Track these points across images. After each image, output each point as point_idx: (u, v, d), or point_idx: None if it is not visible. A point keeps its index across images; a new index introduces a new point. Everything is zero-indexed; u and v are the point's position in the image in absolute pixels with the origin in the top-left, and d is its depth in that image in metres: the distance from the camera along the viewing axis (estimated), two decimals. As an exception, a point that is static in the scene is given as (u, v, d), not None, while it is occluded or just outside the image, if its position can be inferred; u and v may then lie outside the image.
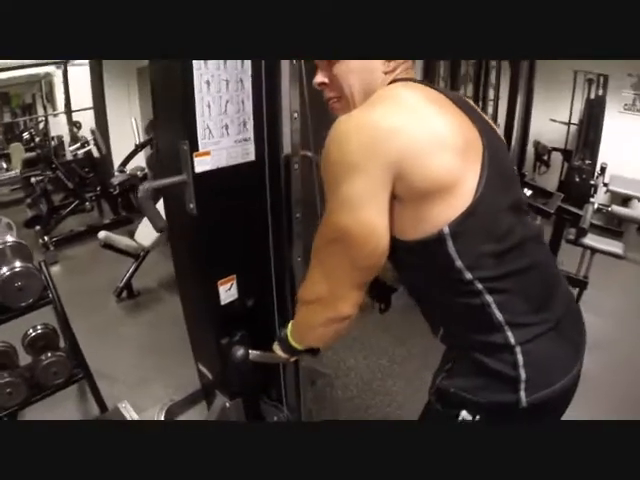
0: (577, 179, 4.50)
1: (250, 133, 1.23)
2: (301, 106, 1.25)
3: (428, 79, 2.88)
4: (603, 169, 4.80)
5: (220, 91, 1.10)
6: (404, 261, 0.85)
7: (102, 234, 2.72)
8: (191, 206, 1.16)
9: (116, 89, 4.19)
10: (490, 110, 3.91)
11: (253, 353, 1.24)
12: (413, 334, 2.71)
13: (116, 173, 3.69)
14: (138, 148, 3.21)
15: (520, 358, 0.80)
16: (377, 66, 0.87)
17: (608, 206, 4.79)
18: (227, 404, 1.57)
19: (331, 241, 0.82)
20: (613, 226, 5.24)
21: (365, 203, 0.76)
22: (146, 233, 2.85)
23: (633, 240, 4.95)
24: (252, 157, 1.26)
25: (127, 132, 3.48)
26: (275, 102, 1.24)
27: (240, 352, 1.23)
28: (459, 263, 0.78)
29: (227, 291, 1.35)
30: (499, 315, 0.80)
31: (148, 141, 3.25)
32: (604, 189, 4.94)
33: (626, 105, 5.65)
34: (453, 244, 0.77)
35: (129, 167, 3.49)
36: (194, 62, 1.02)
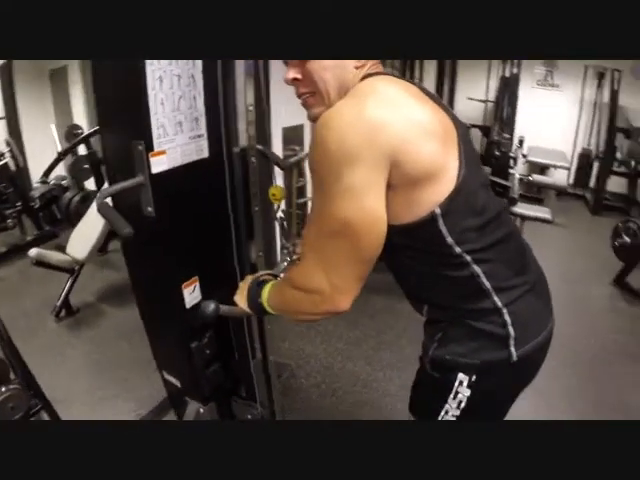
0: (497, 152, 4.74)
1: (203, 129, 1.20)
2: (256, 100, 1.23)
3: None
4: (521, 141, 5.09)
5: (172, 87, 1.06)
6: (397, 245, 0.88)
7: (33, 252, 2.54)
8: (149, 209, 1.11)
9: (28, 94, 3.89)
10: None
11: (223, 308, 1.22)
12: (362, 315, 2.84)
13: (35, 185, 3.46)
14: (60, 156, 3.02)
15: (508, 318, 0.89)
16: (349, 62, 0.89)
17: (528, 175, 5.15)
18: (201, 409, 1.54)
19: (332, 234, 0.82)
20: (533, 194, 5.64)
21: (367, 191, 0.78)
22: (79, 245, 2.70)
23: (553, 205, 5.33)
24: (206, 154, 1.23)
25: (43, 140, 3.26)
26: (228, 97, 1.21)
27: (211, 307, 1.19)
28: (449, 239, 0.85)
29: (191, 294, 1.32)
30: (487, 283, 0.88)
31: (70, 148, 3.06)
32: (523, 160, 5.26)
33: (539, 81, 6.10)
34: (444, 222, 0.83)
35: (50, 177, 3.28)
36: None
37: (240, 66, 1.18)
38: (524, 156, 5.17)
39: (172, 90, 1.07)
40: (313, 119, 0.93)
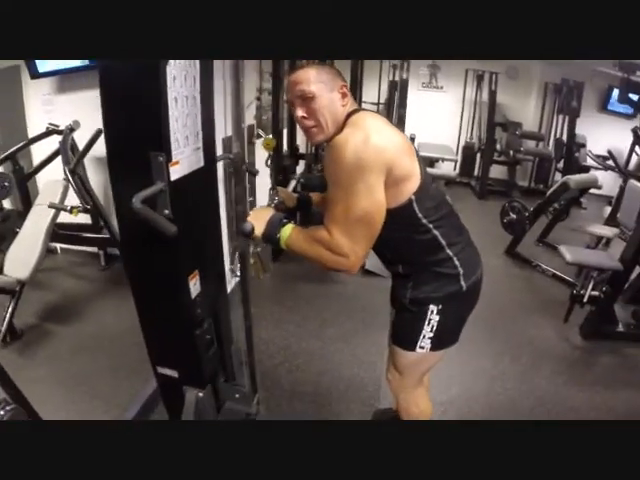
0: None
1: (200, 142, 1.39)
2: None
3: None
4: (412, 139, 5.64)
5: (184, 107, 1.25)
6: (385, 223, 1.24)
7: (-30, 275, 2.46)
8: (166, 212, 1.29)
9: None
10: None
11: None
12: (299, 302, 3.19)
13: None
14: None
15: (457, 263, 1.37)
16: (337, 102, 1.29)
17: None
18: (200, 394, 1.70)
19: (357, 218, 1.18)
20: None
21: (376, 189, 1.18)
22: (19, 264, 2.65)
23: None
24: (202, 163, 1.42)
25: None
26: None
27: (250, 226, 1.37)
28: (420, 215, 1.30)
29: (194, 285, 1.50)
30: (443, 241, 1.35)
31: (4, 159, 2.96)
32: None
33: (424, 83, 6.76)
34: (416, 204, 1.28)
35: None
36: (168, 80, 1.16)
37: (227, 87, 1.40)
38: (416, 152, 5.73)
39: (183, 109, 1.26)
40: (316, 143, 1.39)
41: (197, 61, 1.30)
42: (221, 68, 1.49)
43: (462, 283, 1.37)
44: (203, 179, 1.44)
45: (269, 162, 1.73)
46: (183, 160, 1.30)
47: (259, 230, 1.35)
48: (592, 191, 5.13)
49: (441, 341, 1.44)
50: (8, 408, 1.32)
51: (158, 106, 1.17)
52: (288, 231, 1.31)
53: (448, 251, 1.35)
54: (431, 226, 1.31)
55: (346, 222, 1.19)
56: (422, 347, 1.43)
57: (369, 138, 1.15)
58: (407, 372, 1.55)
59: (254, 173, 1.67)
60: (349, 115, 1.29)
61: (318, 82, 1.25)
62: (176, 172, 1.27)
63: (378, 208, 1.19)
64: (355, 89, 3.40)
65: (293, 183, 1.84)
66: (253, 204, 2.94)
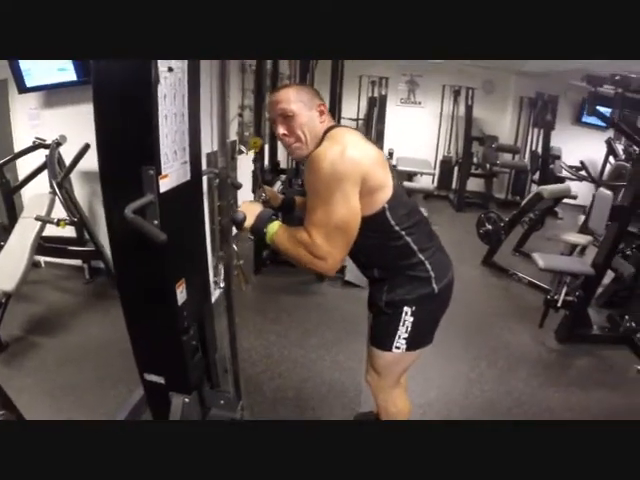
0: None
1: (187, 157, 1.47)
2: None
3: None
4: (391, 153, 5.80)
5: (173, 124, 1.34)
6: (361, 230, 1.34)
7: (-42, 287, 2.47)
8: (155, 222, 1.36)
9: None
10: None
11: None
12: (281, 313, 3.27)
13: None
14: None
15: (429, 266, 1.46)
16: (316, 119, 1.39)
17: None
18: (186, 399, 1.76)
19: (335, 225, 1.27)
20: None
21: (352, 198, 1.28)
22: (5, 276, 2.67)
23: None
24: (188, 176, 1.50)
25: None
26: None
27: (242, 216, 1.47)
28: (392, 222, 1.38)
29: (181, 293, 1.56)
30: (414, 246, 1.44)
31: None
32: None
33: (402, 99, 6.93)
34: (389, 213, 1.38)
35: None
36: (159, 99, 1.24)
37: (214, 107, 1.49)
38: (394, 166, 5.86)
39: (172, 126, 1.34)
40: (297, 158, 1.48)
41: (186, 79, 1.39)
42: (207, 85, 1.57)
43: (434, 285, 1.46)
44: (189, 192, 1.52)
45: (255, 161, 1.81)
46: (172, 173, 1.38)
47: (248, 222, 1.45)
48: (568, 201, 5.33)
49: (415, 341, 1.53)
50: (-2, 414, 1.39)
51: (150, 123, 1.25)
52: (275, 227, 1.41)
53: (420, 256, 1.44)
54: (403, 233, 1.41)
55: (326, 228, 1.28)
56: (398, 347, 1.51)
57: (345, 151, 1.25)
58: (385, 372, 1.63)
59: (238, 186, 1.74)
60: (327, 130, 1.39)
61: (298, 101, 1.36)
62: (165, 185, 1.35)
63: (354, 215, 1.29)
64: (334, 105, 3.52)
65: (278, 184, 1.93)
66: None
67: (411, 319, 1.47)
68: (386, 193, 1.36)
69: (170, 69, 1.28)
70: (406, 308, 1.47)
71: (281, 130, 1.40)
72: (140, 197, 1.31)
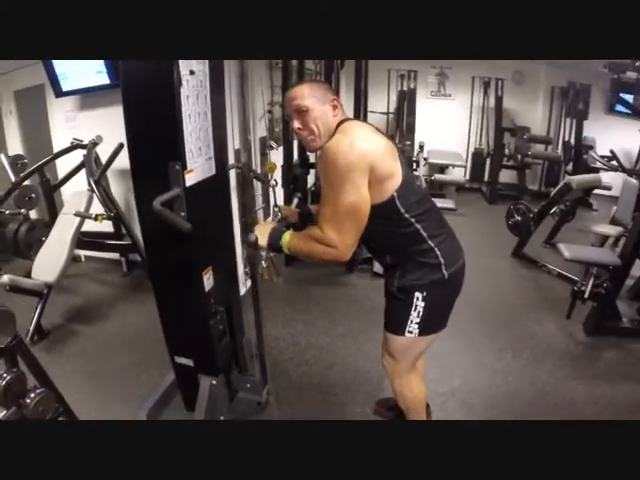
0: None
1: (212, 153, 1.57)
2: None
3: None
4: (421, 147, 5.77)
5: (197, 122, 1.43)
6: (372, 217, 1.41)
7: (5, 278, 2.65)
8: (182, 214, 1.46)
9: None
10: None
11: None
12: (311, 303, 3.35)
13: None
14: (15, 186, 3.12)
15: (439, 253, 1.51)
16: (329, 113, 1.46)
17: (431, 176, 5.85)
18: (213, 381, 1.87)
19: (345, 212, 1.35)
20: (436, 191, 6.36)
21: (362, 186, 1.35)
22: (47, 268, 2.85)
23: (454, 199, 6.06)
24: (214, 171, 1.60)
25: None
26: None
27: (254, 237, 1.58)
28: (402, 210, 1.44)
29: (208, 280, 1.67)
30: (424, 233, 1.49)
31: (25, 178, 3.17)
32: (424, 162, 5.95)
33: (432, 92, 6.90)
34: (398, 200, 1.43)
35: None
36: (182, 99, 1.33)
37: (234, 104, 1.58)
38: (425, 159, 5.86)
39: (196, 124, 1.43)
40: (313, 150, 1.54)
41: (207, 81, 1.48)
42: (234, 84, 1.66)
43: (444, 271, 1.51)
44: (215, 185, 1.63)
45: (272, 183, 1.91)
46: (197, 168, 1.48)
47: (264, 241, 1.56)
48: (603, 193, 5.20)
49: (428, 326, 1.58)
50: (38, 391, 1.51)
51: (174, 122, 1.36)
52: (288, 237, 1.52)
53: (430, 242, 1.49)
54: (413, 220, 1.46)
55: (335, 217, 1.36)
56: (410, 332, 1.57)
57: (354, 143, 1.33)
58: (399, 357, 1.68)
59: (262, 180, 1.83)
60: (340, 124, 1.46)
61: (311, 97, 1.44)
62: (191, 179, 1.46)
63: (363, 203, 1.36)
64: (359, 100, 3.56)
65: (295, 201, 2.01)
66: (268, 212, 3.13)
67: (422, 304, 1.52)
68: (395, 182, 1.41)
69: (192, 72, 1.37)
70: (417, 293, 1.52)
71: (296, 124, 1.48)
72: (168, 191, 1.42)
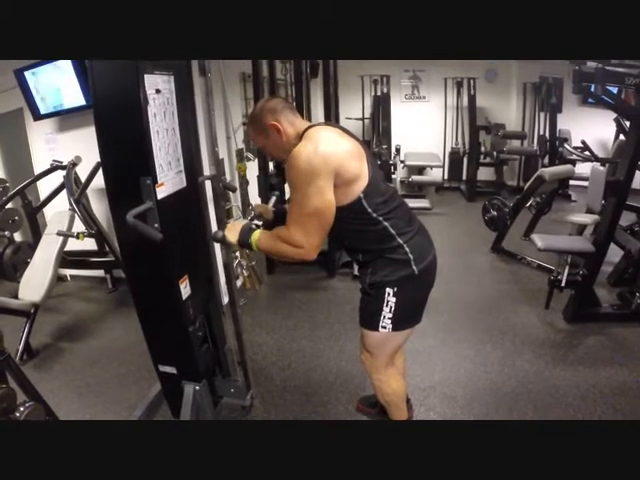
0: (378, 162, 5.43)
1: (182, 166, 1.63)
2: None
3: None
4: (398, 150, 5.87)
5: (165, 138, 1.50)
6: (340, 218, 1.48)
7: (-8, 299, 2.69)
8: (155, 225, 1.52)
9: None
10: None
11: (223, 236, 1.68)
12: (292, 308, 3.42)
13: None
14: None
15: (408, 249, 1.56)
16: (277, 139, 1.53)
17: (408, 178, 5.95)
18: (197, 387, 1.92)
19: (309, 215, 1.42)
20: (415, 192, 6.46)
21: (326, 190, 1.40)
22: (33, 288, 2.89)
23: (433, 199, 6.16)
24: (184, 184, 1.67)
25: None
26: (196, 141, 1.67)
27: (220, 234, 1.66)
28: (369, 210, 1.50)
29: (185, 288, 1.73)
30: (392, 231, 1.54)
31: (7, 201, 3.22)
32: (402, 165, 6.05)
33: (406, 95, 7.02)
34: (365, 201, 1.49)
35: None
36: (150, 116, 1.40)
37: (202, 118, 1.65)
38: (402, 162, 5.95)
39: (165, 140, 1.50)
40: (281, 163, 1.63)
41: (174, 98, 1.55)
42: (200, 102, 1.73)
43: (414, 267, 1.56)
44: (187, 197, 1.69)
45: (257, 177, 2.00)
46: (167, 182, 1.55)
47: (234, 238, 1.63)
48: (583, 184, 5.31)
49: (401, 321, 1.63)
50: (27, 405, 1.55)
51: (143, 139, 1.42)
52: (257, 235, 1.59)
53: (399, 239, 1.55)
54: (381, 219, 1.52)
55: (301, 219, 1.44)
56: (384, 327, 1.63)
57: (318, 148, 1.39)
58: (375, 352, 1.75)
59: (232, 189, 1.90)
60: (306, 130, 1.53)
61: (257, 135, 1.58)
62: (162, 192, 1.52)
63: (327, 206, 1.42)
64: (329, 106, 3.65)
65: (273, 199, 2.08)
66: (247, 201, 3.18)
67: (394, 299, 1.58)
68: (362, 183, 1.47)
69: (158, 91, 1.44)
70: (388, 289, 1.57)
71: (267, 155, 1.71)
72: (141, 204, 1.48)
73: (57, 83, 3.22)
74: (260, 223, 1.76)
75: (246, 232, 1.61)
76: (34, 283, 2.91)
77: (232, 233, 1.64)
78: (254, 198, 3.60)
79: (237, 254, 1.80)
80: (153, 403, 2.20)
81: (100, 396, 2.44)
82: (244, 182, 3.75)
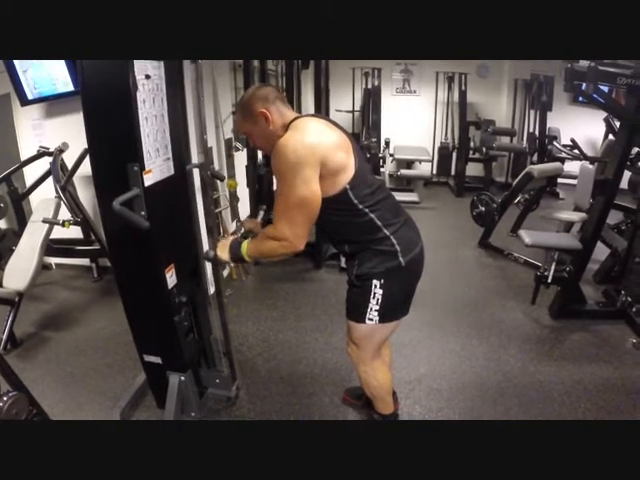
0: (367, 155, 5.43)
1: (170, 153, 1.61)
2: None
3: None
4: (387, 143, 5.86)
5: (153, 124, 1.48)
6: (326, 209, 1.48)
7: (-24, 288, 2.64)
8: (142, 213, 1.50)
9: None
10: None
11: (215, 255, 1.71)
12: (278, 299, 3.42)
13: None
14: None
15: (395, 241, 1.55)
16: (265, 127, 1.51)
17: (397, 171, 5.95)
18: (182, 377, 1.91)
19: (295, 205, 1.40)
20: (404, 186, 6.47)
21: (312, 180, 1.39)
22: (17, 276, 2.84)
23: (422, 193, 6.16)
24: (172, 171, 1.65)
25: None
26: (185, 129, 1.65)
27: (212, 254, 1.68)
28: (355, 201, 1.50)
29: (170, 277, 1.71)
30: (379, 222, 1.54)
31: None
32: (391, 159, 6.05)
33: (397, 88, 7.01)
34: (351, 192, 1.48)
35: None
36: (139, 102, 1.38)
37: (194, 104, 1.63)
38: (391, 155, 5.95)
39: (154, 127, 1.48)
40: (267, 152, 1.63)
41: (164, 84, 1.53)
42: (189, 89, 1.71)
43: (400, 259, 1.55)
44: (174, 185, 1.67)
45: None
46: (155, 169, 1.53)
47: (226, 256, 1.65)
48: (571, 182, 5.35)
49: (387, 313, 1.63)
50: (10, 394, 1.52)
51: (132, 125, 1.40)
52: (246, 246, 1.61)
53: (385, 231, 1.54)
54: (367, 210, 1.51)
55: (286, 209, 1.42)
56: (371, 319, 1.63)
57: (304, 138, 1.39)
58: (362, 344, 1.75)
59: (220, 178, 1.88)
60: (293, 120, 1.51)
61: (245, 122, 1.55)
62: (149, 179, 1.50)
63: (313, 196, 1.41)
64: (319, 98, 3.63)
65: (261, 214, 2.08)
66: (235, 214, 3.17)
67: (380, 291, 1.58)
68: (348, 174, 1.47)
69: (147, 76, 1.42)
70: (375, 281, 1.57)
71: (251, 142, 1.64)
72: (127, 191, 1.46)
73: (45, 68, 3.16)
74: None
75: (236, 246, 1.62)
76: (19, 271, 2.86)
77: (223, 251, 1.65)
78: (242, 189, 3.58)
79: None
80: (138, 393, 2.18)
81: (85, 386, 2.42)
82: (234, 199, 3.76)
